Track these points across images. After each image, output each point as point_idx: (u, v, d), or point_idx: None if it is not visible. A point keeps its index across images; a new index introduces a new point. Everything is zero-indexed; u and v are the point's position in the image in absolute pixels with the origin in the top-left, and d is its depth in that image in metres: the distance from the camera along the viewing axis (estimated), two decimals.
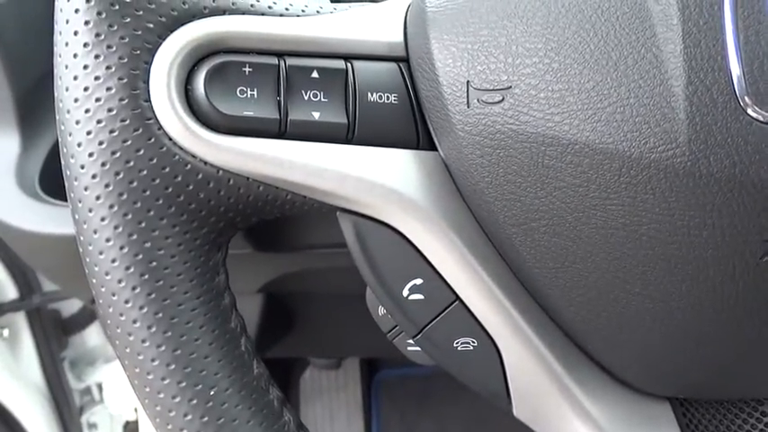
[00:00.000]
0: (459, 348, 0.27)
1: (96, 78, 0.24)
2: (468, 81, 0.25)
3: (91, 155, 0.24)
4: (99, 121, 0.24)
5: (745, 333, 0.24)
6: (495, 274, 0.27)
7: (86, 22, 0.24)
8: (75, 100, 0.24)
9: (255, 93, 0.25)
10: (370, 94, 0.26)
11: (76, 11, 0.24)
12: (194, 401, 0.25)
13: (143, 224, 0.24)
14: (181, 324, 0.25)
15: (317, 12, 0.27)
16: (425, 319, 0.27)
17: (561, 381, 0.27)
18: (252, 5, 0.26)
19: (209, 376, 0.26)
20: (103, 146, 0.24)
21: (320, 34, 0.26)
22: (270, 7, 0.26)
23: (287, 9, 0.27)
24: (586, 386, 0.27)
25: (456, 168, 0.26)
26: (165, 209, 0.25)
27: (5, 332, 0.80)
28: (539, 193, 0.24)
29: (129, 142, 0.24)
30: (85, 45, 0.24)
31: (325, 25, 0.27)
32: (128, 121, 0.24)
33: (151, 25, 0.24)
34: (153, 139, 0.24)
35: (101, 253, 0.24)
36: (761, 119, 0.21)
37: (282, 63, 0.26)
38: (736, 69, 0.21)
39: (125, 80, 0.24)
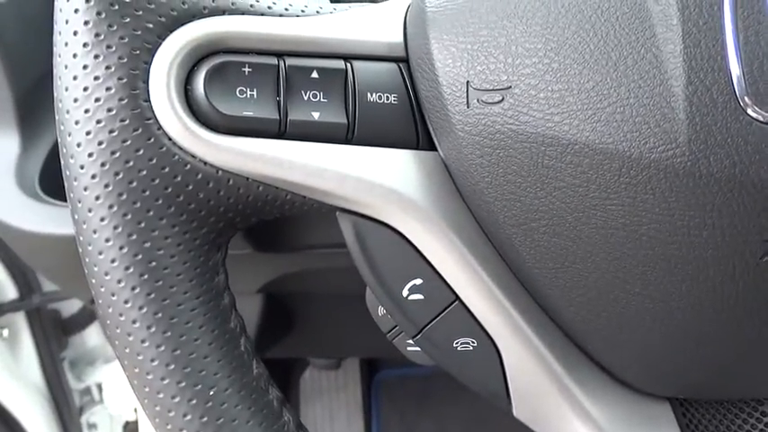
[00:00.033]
0: (458, 348, 0.27)
1: (96, 78, 0.24)
2: (467, 81, 0.25)
3: (90, 155, 0.24)
4: (98, 121, 0.24)
5: (745, 333, 0.24)
6: (494, 275, 0.27)
7: (86, 22, 0.24)
8: (75, 100, 0.24)
9: (255, 93, 0.25)
10: (369, 95, 0.26)
11: (76, 11, 0.24)
12: (194, 401, 0.25)
13: (142, 224, 0.24)
14: (180, 324, 0.25)
15: (317, 12, 0.27)
16: (425, 320, 0.27)
17: (561, 381, 0.27)
18: (251, 5, 0.26)
19: (209, 376, 0.26)
20: (103, 146, 0.24)
21: (320, 34, 0.26)
22: (269, 7, 0.26)
23: (286, 9, 0.27)
24: (586, 386, 0.27)
25: (456, 168, 0.26)
26: (165, 209, 0.25)
27: (5, 332, 0.80)
28: (538, 193, 0.24)
29: (128, 142, 0.24)
30: (85, 45, 0.24)
31: (325, 25, 0.27)
32: (127, 121, 0.24)
33: (151, 25, 0.24)
34: (152, 139, 0.24)
35: (100, 253, 0.24)
36: (761, 119, 0.21)
37: (282, 63, 0.26)
38: (735, 69, 0.21)
39: (124, 80, 0.24)
